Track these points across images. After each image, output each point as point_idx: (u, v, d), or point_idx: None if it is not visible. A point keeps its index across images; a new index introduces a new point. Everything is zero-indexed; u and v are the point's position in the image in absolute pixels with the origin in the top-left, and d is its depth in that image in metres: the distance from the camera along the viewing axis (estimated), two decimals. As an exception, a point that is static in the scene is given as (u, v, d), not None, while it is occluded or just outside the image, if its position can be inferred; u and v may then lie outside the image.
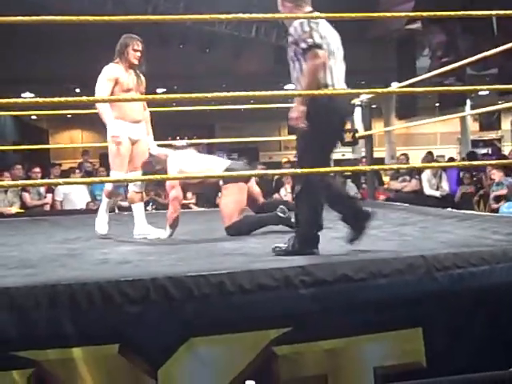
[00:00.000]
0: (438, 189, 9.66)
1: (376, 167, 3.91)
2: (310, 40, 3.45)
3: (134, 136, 5.10)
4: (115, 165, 5.02)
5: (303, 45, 3.47)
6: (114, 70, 5.05)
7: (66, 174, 10.77)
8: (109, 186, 5.19)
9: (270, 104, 9.12)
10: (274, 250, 3.63)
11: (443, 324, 3.07)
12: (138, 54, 5.08)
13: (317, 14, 3.67)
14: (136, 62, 5.09)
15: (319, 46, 3.45)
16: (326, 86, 3.54)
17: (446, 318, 3.07)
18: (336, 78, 3.59)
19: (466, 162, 6.19)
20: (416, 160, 14.18)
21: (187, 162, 5.04)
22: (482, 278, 3.14)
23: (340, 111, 3.61)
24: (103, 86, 4.98)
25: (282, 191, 9.36)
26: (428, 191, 9.63)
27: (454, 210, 6.29)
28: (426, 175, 9.67)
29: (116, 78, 5.01)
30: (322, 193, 3.57)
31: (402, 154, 11.12)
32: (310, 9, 3.71)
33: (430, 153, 11.05)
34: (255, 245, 4.16)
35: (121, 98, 4.96)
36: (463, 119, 20.39)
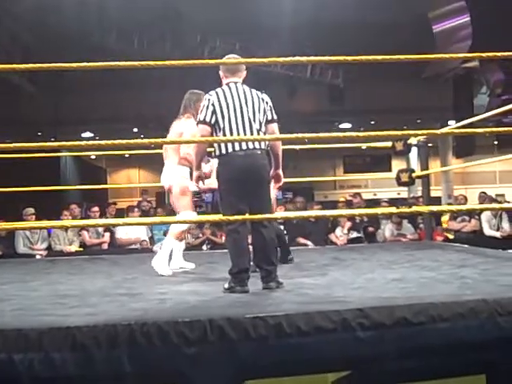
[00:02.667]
0: (498, 229, 9.43)
1: (434, 208, 3.86)
2: (199, 116, 4.24)
3: None
4: (189, 205, 5.40)
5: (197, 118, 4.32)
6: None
7: (123, 212, 10.97)
8: (181, 228, 5.45)
9: (326, 143, 9.14)
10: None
11: (507, 371, 2.98)
12: None
13: (234, 86, 4.24)
14: None
15: (203, 122, 4.19)
16: (221, 151, 4.16)
17: (511, 365, 2.99)
18: (227, 143, 4.12)
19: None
20: (474, 199, 13.94)
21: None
22: (547, 323, 3.04)
23: (235, 170, 4.13)
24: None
25: (338, 231, 9.27)
26: (488, 232, 9.41)
27: (515, 252, 6.14)
28: (486, 215, 9.46)
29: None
30: (229, 237, 4.19)
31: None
32: (234, 79, 4.30)
33: (483, 193, 10.88)
34: (313, 286, 4.13)
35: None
36: (523, 157, 19.96)
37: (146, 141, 3.77)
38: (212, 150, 5.05)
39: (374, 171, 21.73)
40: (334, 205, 11.37)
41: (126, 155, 19.91)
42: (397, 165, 20.14)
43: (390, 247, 7.48)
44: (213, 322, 2.88)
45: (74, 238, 8.79)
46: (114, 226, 8.78)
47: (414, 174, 7.53)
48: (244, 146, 4.10)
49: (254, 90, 4.29)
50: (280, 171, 4.45)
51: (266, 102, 4.28)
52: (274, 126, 4.30)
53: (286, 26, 12.62)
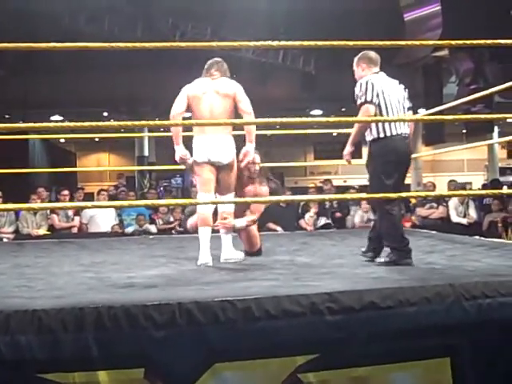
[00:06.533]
0: (465, 216, 9.55)
1: (403, 195, 3.90)
2: (363, 97, 4.26)
3: None
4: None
5: (358, 101, 4.30)
6: None
7: (92, 196, 10.90)
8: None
9: (297, 129, 9.15)
10: (375, 263, 4.30)
11: (472, 355, 3.03)
12: None
13: (382, 74, 4.46)
14: None
15: (370, 102, 4.24)
16: (385, 134, 4.27)
17: (475, 349, 3.03)
18: (390, 126, 4.27)
19: (497, 191, 6.13)
20: (442, 187, 14.09)
21: None
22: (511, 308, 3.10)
23: (396, 150, 4.29)
24: None
25: (307, 216, 9.29)
26: (455, 219, 9.52)
27: (481, 238, 6.22)
28: (453, 203, 9.57)
29: None
30: (388, 215, 4.29)
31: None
32: (377, 69, 4.50)
33: (453, 181, 10.98)
34: (282, 270, 4.14)
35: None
36: (491, 146, 20.25)
37: (115, 123, 3.72)
38: (191, 133, 4.91)
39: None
40: (304, 191, 11.38)
41: (96, 139, 19.73)
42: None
43: (360, 233, 7.52)
44: (181, 305, 2.86)
45: (42, 221, 8.70)
46: (83, 208, 8.70)
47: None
48: (401, 131, 4.32)
49: (395, 80, 4.52)
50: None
51: (404, 89, 4.52)
52: (411, 114, 4.61)
53: (260, 12, 12.57)
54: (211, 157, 4.72)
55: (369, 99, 4.25)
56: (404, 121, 4.31)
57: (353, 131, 4.40)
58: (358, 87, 4.34)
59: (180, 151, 4.77)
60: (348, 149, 4.47)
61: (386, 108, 4.30)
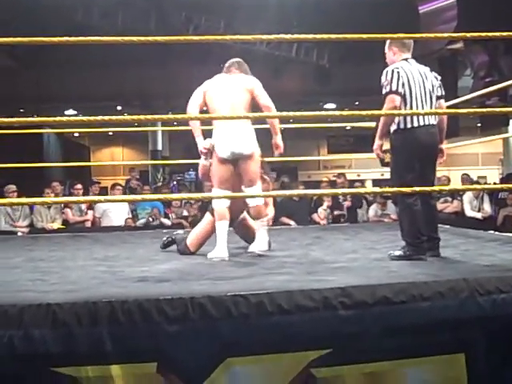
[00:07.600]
0: (479, 210, 9.50)
1: (417, 189, 3.88)
2: (388, 87, 4.14)
3: None
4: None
5: (383, 90, 4.17)
6: None
7: (106, 190, 10.93)
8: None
9: (310, 123, 9.12)
10: (389, 256, 4.21)
11: (486, 350, 3.01)
12: None
13: (412, 61, 4.32)
14: None
15: (395, 92, 4.11)
16: (405, 125, 4.16)
17: (490, 344, 3.01)
18: (413, 117, 4.15)
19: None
20: (457, 181, 14.01)
21: None
22: (526, 303, 3.07)
23: (418, 143, 4.17)
24: None
25: (320, 210, 9.27)
26: (469, 213, 9.47)
27: (496, 233, 6.18)
28: (467, 197, 9.52)
29: None
30: (408, 209, 4.16)
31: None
32: (407, 55, 4.35)
33: (466, 175, 10.93)
34: (295, 265, 4.13)
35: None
36: (506, 140, 20.05)
37: (128, 117, 3.72)
38: (211, 127, 4.87)
39: (357, 152, 21.73)
40: (317, 185, 11.35)
41: (110, 133, 19.78)
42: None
43: (373, 227, 7.52)
44: (194, 299, 2.87)
45: (56, 215, 8.74)
46: (96, 202, 8.73)
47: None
48: (426, 122, 4.19)
49: (426, 67, 4.38)
50: (443, 146, 4.59)
51: (436, 77, 4.38)
52: (443, 102, 4.46)
53: (272, 5, 12.54)
54: (234, 149, 4.67)
55: (394, 89, 4.13)
56: (419, 114, 4.14)
57: (380, 124, 4.23)
58: (384, 76, 4.21)
59: (202, 142, 4.75)
60: (377, 143, 4.29)
61: (411, 98, 4.17)
